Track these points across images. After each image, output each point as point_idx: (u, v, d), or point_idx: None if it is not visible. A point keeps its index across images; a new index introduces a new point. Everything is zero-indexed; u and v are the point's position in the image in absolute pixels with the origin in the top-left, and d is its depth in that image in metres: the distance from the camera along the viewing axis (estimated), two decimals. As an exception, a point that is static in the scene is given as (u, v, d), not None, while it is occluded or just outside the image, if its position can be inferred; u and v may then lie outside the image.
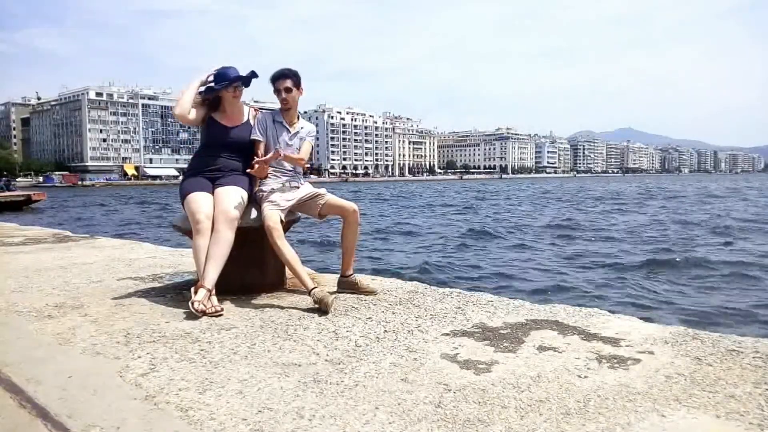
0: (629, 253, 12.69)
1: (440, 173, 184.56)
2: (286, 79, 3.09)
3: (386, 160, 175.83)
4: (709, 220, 20.47)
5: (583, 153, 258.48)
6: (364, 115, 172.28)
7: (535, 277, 9.86)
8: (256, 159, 2.98)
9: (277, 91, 3.11)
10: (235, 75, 3.09)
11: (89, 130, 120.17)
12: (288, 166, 3.17)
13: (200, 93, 3.13)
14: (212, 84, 3.12)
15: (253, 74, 3.13)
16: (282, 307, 2.82)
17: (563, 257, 12.16)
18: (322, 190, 3.21)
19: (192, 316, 2.60)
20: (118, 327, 2.48)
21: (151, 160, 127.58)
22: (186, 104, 3.07)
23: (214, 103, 3.17)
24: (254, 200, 3.12)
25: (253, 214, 3.03)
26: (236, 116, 3.20)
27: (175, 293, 3.16)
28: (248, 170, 2.97)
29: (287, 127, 3.18)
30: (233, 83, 3.09)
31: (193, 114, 3.10)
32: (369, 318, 2.61)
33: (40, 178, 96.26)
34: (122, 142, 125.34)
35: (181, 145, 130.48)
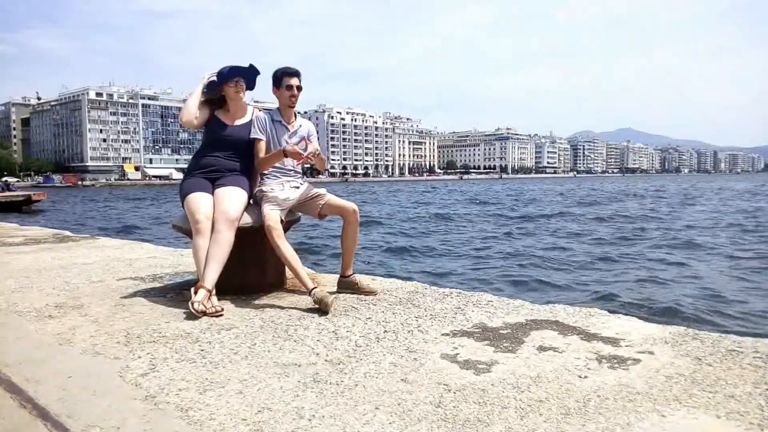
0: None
1: (440, 173, 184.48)
2: (298, 78, 3.13)
3: (386, 160, 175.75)
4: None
5: (583, 153, 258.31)
6: (364, 115, 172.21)
7: None
8: (292, 146, 2.99)
9: (288, 87, 3.11)
10: (233, 67, 3.11)
11: (89, 130, 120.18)
12: (288, 165, 3.18)
13: (204, 92, 3.15)
14: (213, 79, 3.14)
15: (252, 68, 3.14)
16: (282, 307, 2.82)
17: None
18: (322, 190, 3.21)
19: (192, 316, 2.60)
20: (118, 327, 2.48)
21: (151, 161, 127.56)
22: (191, 110, 3.11)
23: (218, 103, 3.18)
24: (254, 200, 3.12)
25: (253, 214, 3.03)
26: (239, 115, 3.21)
27: (175, 293, 3.16)
28: (285, 148, 2.99)
29: (286, 126, 3.19)
30: (233, 77, 3.10)
31: (198, 118, 3.13)
32: (369, 318, 2.61)
33: (40, 179, 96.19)
34: (122, 142, 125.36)
35: (181, 145, 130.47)
